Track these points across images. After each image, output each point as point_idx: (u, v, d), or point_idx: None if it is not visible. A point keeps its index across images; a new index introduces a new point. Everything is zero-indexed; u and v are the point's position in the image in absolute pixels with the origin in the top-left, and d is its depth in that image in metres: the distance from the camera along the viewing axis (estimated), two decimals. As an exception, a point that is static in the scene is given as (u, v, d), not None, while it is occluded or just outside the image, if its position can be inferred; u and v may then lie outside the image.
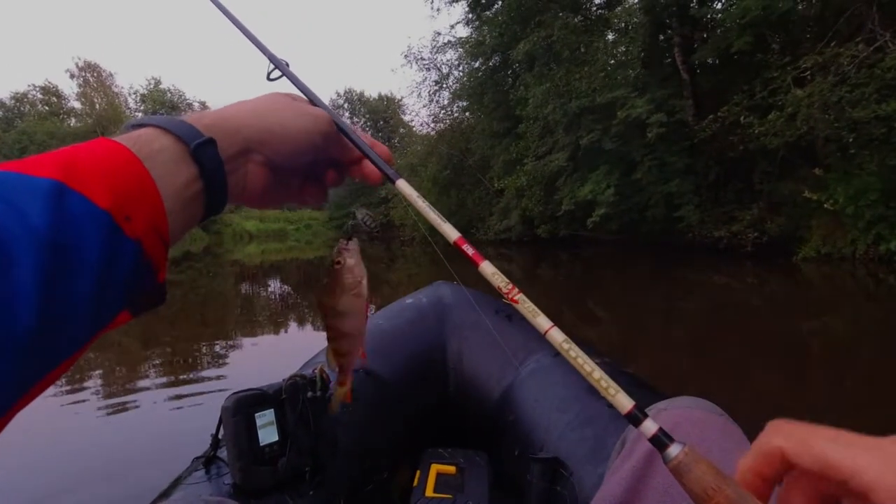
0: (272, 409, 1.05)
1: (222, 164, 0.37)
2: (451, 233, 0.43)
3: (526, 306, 0.40)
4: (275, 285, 10.52)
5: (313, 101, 0.48)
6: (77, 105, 37.71)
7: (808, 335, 4.39)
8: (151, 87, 37.33)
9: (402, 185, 0.46)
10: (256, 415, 1.03)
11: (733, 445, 0.61)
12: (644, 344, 4.17)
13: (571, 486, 1.10)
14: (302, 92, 0.50)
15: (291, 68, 0.54)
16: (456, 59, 19.31)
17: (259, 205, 0.45)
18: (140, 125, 0.36)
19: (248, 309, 7.30)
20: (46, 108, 36.88)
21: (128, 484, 2.04)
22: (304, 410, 1.08)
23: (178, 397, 3.19)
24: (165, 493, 0.95)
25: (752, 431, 0.58)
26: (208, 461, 1.02)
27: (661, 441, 0.35)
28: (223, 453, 1.03)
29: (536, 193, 13.51)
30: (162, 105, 36.32)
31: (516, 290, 0.40)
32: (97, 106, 36.64)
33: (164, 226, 0.32)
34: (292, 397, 1.08)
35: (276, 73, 0.54)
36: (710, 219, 10.35)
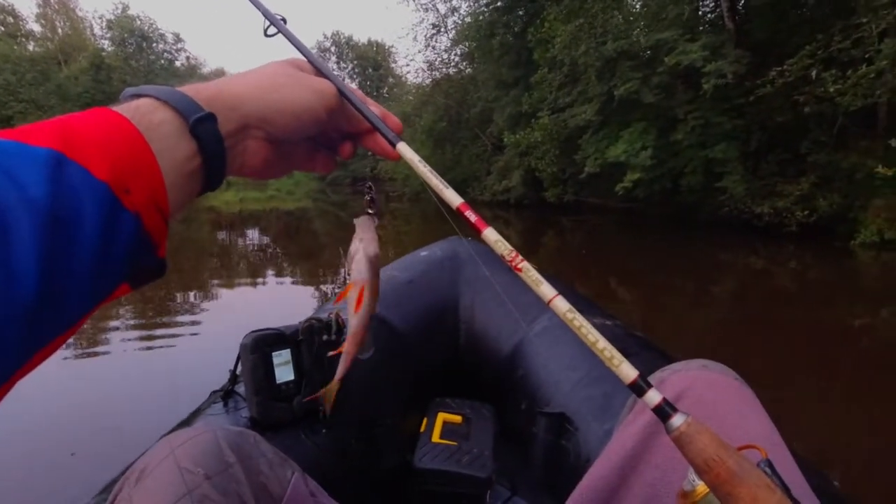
0: (289, 350, 1.13)
1: (222, 140, 0.38)
2: (454, 198, 0.45)
3: (530, 275, 0.41)
4: (254, 235, 10.59)
5: (317, 65, 0.48)
6: (36, 28, 36.37)
7: (858, 333, 4.21)
8: (119, 12, 35.93)
9: (404, 148, 0.47)
10: (273, 353, 1.10)
11: (749, 410, 0.64)
12: (663, 328, 4.11)
13: (576, 441, 1.21)
14: (301, 52, 0.50)
15: (289, 25, 0.53)
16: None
17: (260, 176, 0.46)
18: (138, 95, 0.36)
19: (239, 257, 7.54)
20: (0, 28, 35.38)
21: (146, 417, 2.26)
22: (320, 352, 1.16)
23: (159, 344, 3.33)
24: (186, 422, 1.04)
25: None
26: (226, 395, 1.11)
27: (664, 411, 0.37)
28: (240, 389, 1.12)
29: (551, 152, 12.66)
30: (131, 33, 35.12)
31: (520, 258, 0.42)
32: (59, 30, 35.34)
33: (163, 200, 0.33)
34: (308, 339, 1.15)
35: (274, 28, 0.53)
36: (750, 192, 9.50)
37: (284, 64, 0.46)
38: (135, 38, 35.46)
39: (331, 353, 0.59)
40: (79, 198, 0.27)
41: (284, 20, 0.53)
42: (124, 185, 0.30)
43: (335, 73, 0.49)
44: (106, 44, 36.00)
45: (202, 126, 0.36)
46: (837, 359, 3.59)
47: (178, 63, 38.79)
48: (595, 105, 11.21)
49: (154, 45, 36.94)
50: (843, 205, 8.31)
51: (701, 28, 10.31)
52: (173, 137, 0.35)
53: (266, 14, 0.53)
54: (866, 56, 7.57)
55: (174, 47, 38.49)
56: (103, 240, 0.28)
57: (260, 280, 5.67)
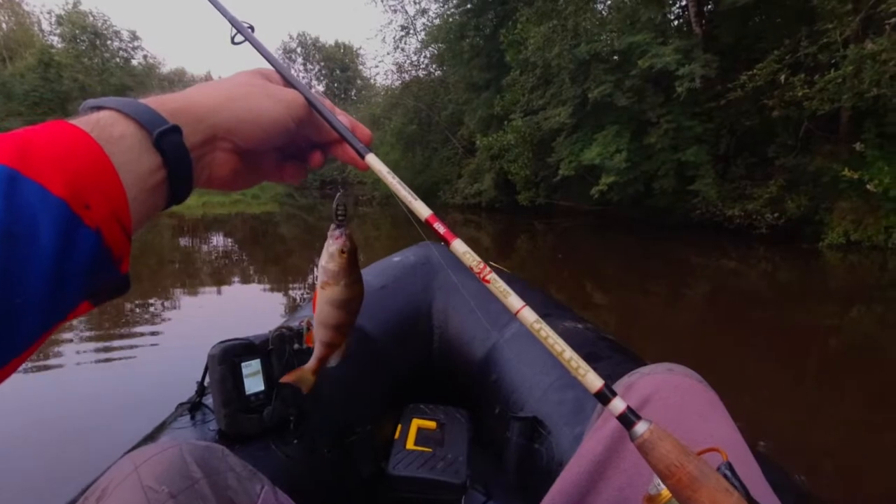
0: (258, 359, 1.12)
1: (188, 153, 0.38)
2: (423, 210, 0.45)
3: (497, 286, 0.42)
4: (219, 240, 10.40)
5: (285, 75, 0.49)
6: (-23, 23, 34.68)
7: (825, 333, 4.33)
8: (69, 7, 34.56)
9: (373, 160, 0.47)
10: (242, 364, 1.09)
11: (711, 412, 0.67)
12: (635, 330, 4.17)
13: (549, 445, 1.23)
14: (269, 62, 0.51)
15: (256, 33, 0.53)
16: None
17: (228, 188, 0.46)
18: (98, 107, 0.36)
19: (203, 264, 7.35)
20: (-64, 22, 33.71)
21: (109, 433, 2.20)
22: (291, 361, 1.16)
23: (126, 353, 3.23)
24: (151, 437, 1.02)
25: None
26: (193, 407, 1.09)
27: (628, 419, 0.38)
28: (208, 401, 1.10)
29: (524, 155, 12.73)
30: (83, 30, 33.78)
31: (488, 269, 0.43)
32: (3, 25, 33.93)
33: (125, 214, 0.33)
34: (278, 348, 1.15)
35: (241, 37, 0.53)
36: (721, 195, 9.75)
37: (252, 74, 0.46)
38: (87, 35, 34.07)
39: (283, 379, 0.60)
40: (34, 215, 0.27)
41: (252, 28, 0.53)
42: (84, 200, 0.29)
43: (302, 77, 0.50)
44: (55, 40, 34.47)
45: (166, 139, 0.36)
46: (805, 358, 3.71)
47: (134, 62, 37.46)
48: (569, 108, 11.29)
49: (108, 42, 35.64)
50: (810, 207, 8.61)
51: (668, 33, 10.56)
52: (136, 151, 0.34)
53: (233, 22, 0.53)
54: (832, 62, 7.84)
55: (130, 45, 37.13)
56: (61, 257, 0.28)
57: (226, 288, 5.54)
